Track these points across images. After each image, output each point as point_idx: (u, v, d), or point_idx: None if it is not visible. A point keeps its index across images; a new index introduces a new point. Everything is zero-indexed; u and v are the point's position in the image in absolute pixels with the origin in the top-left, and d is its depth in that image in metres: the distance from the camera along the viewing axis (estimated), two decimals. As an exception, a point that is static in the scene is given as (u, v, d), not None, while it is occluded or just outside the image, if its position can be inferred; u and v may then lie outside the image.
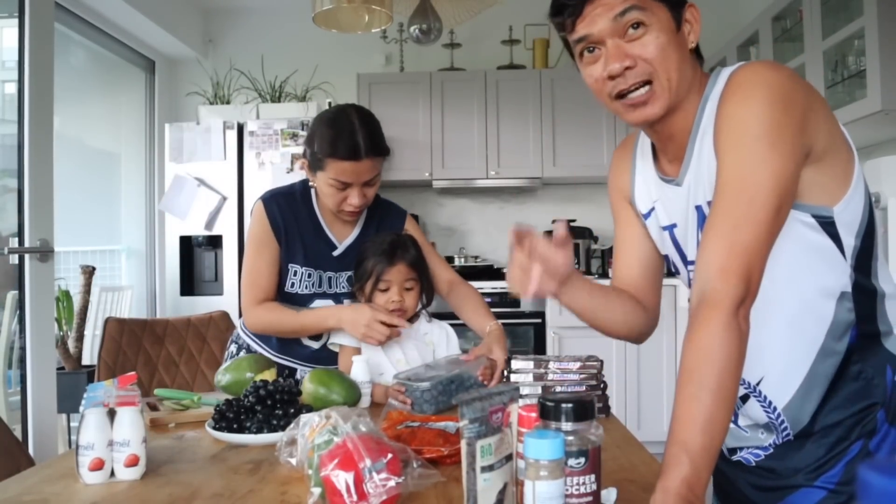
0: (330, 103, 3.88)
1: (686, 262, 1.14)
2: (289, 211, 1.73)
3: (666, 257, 1.20)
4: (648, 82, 1.00)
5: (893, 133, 2.93)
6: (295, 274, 1.73)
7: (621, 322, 1.21)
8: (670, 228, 1.14)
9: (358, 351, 1.73)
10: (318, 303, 1.75)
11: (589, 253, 4.29)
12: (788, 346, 0.89)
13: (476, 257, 4.42)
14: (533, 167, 4.22)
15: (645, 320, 1.23)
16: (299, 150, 3.74)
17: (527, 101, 4.25)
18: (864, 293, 1.02)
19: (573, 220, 4.26)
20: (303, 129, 3.75)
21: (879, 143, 3.10)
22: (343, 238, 1.78)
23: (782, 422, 1.05)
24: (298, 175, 3.72)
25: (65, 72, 3.80)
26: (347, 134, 1.60)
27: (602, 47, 1.01)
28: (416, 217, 4.41)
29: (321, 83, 4.08)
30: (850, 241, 1.00)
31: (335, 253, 1.76)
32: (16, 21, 2.63)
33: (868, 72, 2.59)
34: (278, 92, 4.05)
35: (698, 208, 1.06)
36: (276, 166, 3.72)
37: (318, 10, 2.32)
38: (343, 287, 1.77)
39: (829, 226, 0.99)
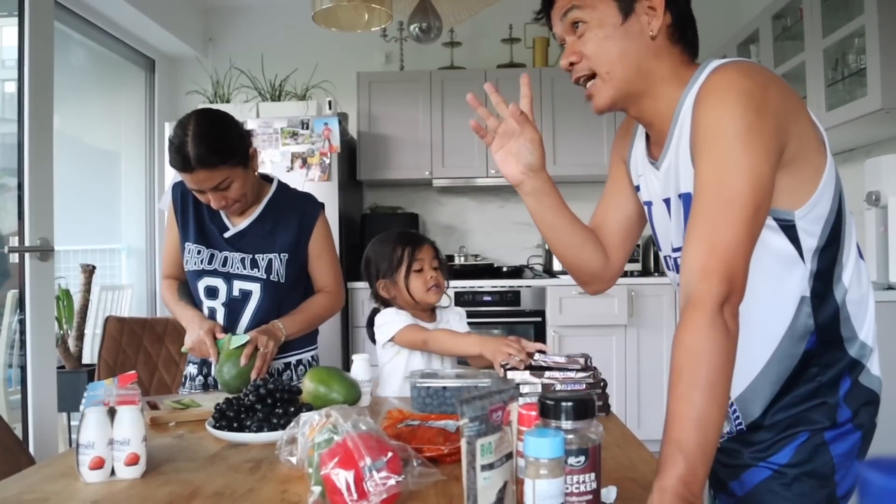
0: (330, 102, 3.88)
1: (658, 242, 1.20)
2: (192, 195, 1.81)
3: (653, 233, 1.23)
4: (593, 76, 1.08)
5: (894, 131, 2.93)
6: (188, 252, 1.83)
7: (578, 253, 1.25)
8: (648, 205, 1.20)
9: (417, 327, 1.77)
10: (206, 279, 1.82)
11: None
12: (744, 342, 0.91)
13: (476, 256, 4.42)
14: (533, 166, 4.21)
15: (602, 268, 1.27)
16: (300, 148, 3.74)
17: (527, 99, 4.24)
18: (823, 300, 1.04)
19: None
20: (303, 128, 3.75)
21: (879, 141, 3.10)
22: (238, 222, 1.85)
23: (734, 411, 1.10)
24: (299, 174, 3.72)
25: (65, 70, 3.79)
26: (177, 146, 1.65)
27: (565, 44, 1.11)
28: (415, 216, 4.42)
29: (321, 82, 4.08)
30: (810, 244, 1.02)
31: (226, 235, 1.83)
32: (16, 20, 2.63)
33: (868, 70, 2.59)
34: (278, 91, 4.05)
35: (667, 201, 1.11)
36: (276, 165, 3.72)
37: (317, 8, 2.32)
38: (237, 268, 1.81)
39: (789, 229, 1.01)
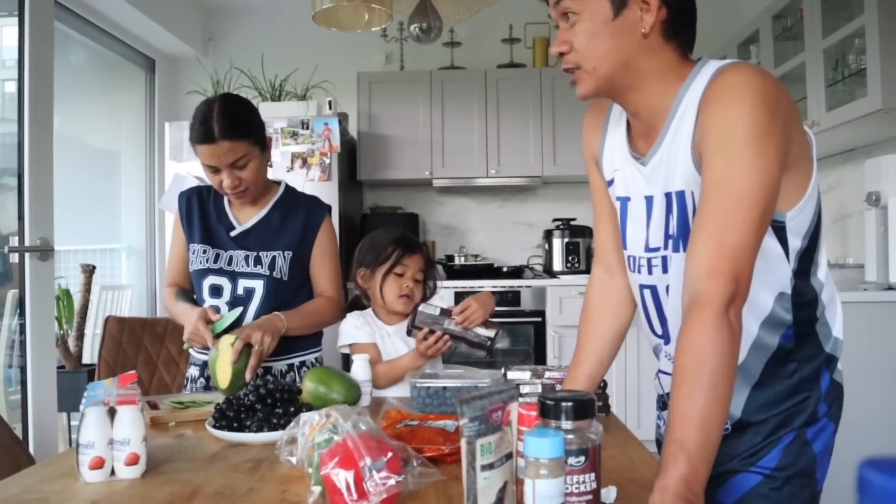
0: (330, 102, 3.88)
1: (625, 240, 1.17)
2: (197, 201, 1.89)
3: (622, 231, 1.19)
4: (579, 66, 1.06)
5: (894, 132, 2.93)
6: (193, 253, 1.85)
7: (623, 332, 1.31)
8: (624, 201, 1.16)
9: (372, 347, 1.77)
10: (211, 278, 1.82)
11: (589, 252, 4.29)
12: None
13: (476, 256, 4.42)
14: (533, 166, 4.22)
15: (633, 307, 1.28)
16: (300, 148, 3.74)
17: (527, 99, 4.25)
18: (803, 297, 1.06)
19: (573, 219, 4.27)
20: (303, 128, 3.75)
21: (879, 141, 3.10)
22: (244, 221, 1.86)
23: None
24: (299, 174, 3.72)
25: (65, 70, 3.79)
26: (202, 119, 1.70)
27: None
28: (415, 216, 4.42)
29: (321, 82, 4.07)
30: (795, 245, 1.04)
31: (232, 233, 1.85)
32: (16, 20, 2.63)
33: (868, 70, 2.58)
34: (278, 91, 4.05)
35: (668, 195, 1.07)
36: (276, 165, 3.71)
37: (318, 8, 2.32)
38: (241, 266, 1.81)
39: (780, 230, 1.02)
